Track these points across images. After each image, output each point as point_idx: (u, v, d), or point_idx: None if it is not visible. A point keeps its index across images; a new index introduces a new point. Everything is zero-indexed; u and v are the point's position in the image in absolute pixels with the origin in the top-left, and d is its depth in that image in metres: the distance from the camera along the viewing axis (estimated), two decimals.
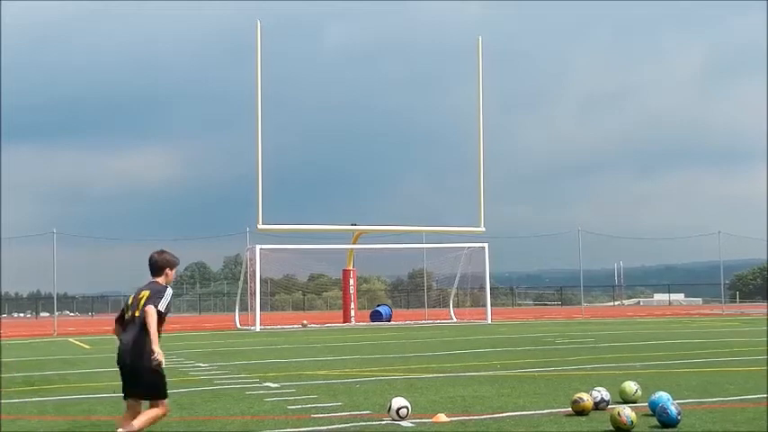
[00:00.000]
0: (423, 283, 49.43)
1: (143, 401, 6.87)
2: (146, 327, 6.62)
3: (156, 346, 6.54)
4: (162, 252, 7.06)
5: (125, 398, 6.93)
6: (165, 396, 6.83)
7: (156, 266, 6.98)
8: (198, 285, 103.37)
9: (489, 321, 35.00)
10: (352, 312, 36.75)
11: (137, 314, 6.76)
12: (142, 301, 6.77)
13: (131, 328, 6.78)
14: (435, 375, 12.91)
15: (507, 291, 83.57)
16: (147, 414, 6.77)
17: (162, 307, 6.72)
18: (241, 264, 45.48)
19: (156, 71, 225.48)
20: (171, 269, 7.03)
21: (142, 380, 6.69)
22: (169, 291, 6.90)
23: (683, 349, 17.42)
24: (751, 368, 13.05)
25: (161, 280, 6.96)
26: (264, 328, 31.84)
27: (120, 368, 6.83)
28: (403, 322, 36.16)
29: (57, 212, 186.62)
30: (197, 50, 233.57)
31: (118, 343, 6.89)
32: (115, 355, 6.87)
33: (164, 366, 6.65)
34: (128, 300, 6.98)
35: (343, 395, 10.46)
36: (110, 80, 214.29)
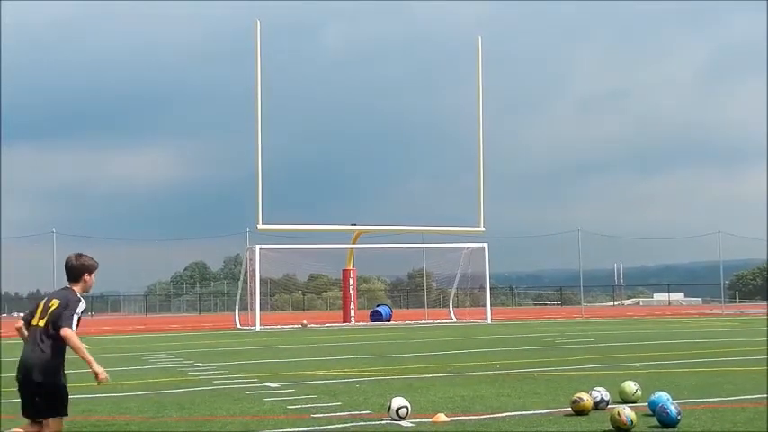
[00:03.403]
0: (422, 282, 49.48)
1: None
2: (59, 342, 6.11)
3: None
4: (80, 256, 6.44)
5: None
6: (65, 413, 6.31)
7: (73, 272, 6.36)
8: (198, 285, 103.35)
9: (489, 321, 34.99)
10: (352, 312, 36.73)
11: (41, 323, 6.19)
12: (51, 310, 6.18)
13: (37, 339, 6.19)
14: (435, 375, 12.92)
15: (507, 291, 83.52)
16: None
17: (74, 326, 6.13)
18: (241, 263, 45.48)
19: (155, 71, 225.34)
20: (90, 274, 6.41)
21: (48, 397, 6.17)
22: (82, 303, 6.27)
23: (683, 349, 17.42)
24: (750, 368, 13.05)
25: (77, 288, 6.36)
26: (264, 328, 31.84)
27: (20, 383, 6.25)
28: (403, 322, 36.15)
29: (57, 212, 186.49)
30: (197, 50, 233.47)
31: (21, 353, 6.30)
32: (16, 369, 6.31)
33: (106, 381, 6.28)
34: (34, 305, 6.37)
35: (342, 395, 10.46)
36: (110, 80, 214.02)
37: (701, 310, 49.06)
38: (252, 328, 32.31)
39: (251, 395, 10.72)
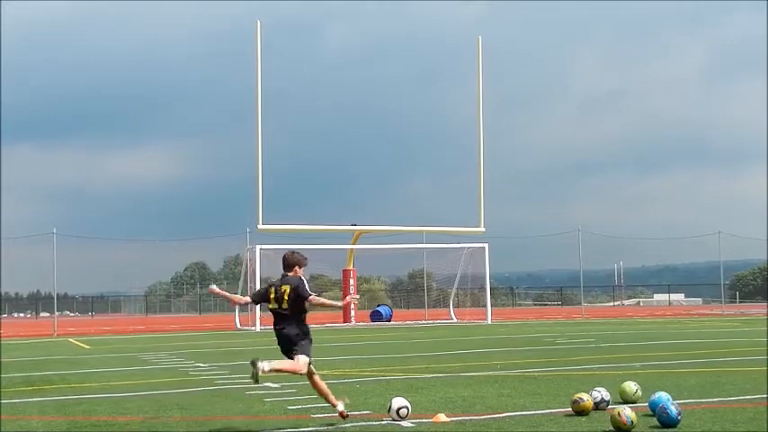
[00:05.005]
0: (423, 283, 49.43)
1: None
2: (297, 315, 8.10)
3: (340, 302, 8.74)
4: (293, 253, 8.38)
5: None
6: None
7: (289, 263, 8.25)
8: (198, 285, 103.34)
9: (489, 321, 35.00)
10: (353, 312, 36.75)
11: (284, 306, 8.08)
12: (287, 294, 8.06)
13: (286, 318, 8.14)
14: (435, 375, 12.92)
15: (507, 291, 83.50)
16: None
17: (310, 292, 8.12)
18: (241, 264, 45.46)
19: (155, 71, 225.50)
20: (300, 267, 8.27)
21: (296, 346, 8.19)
22: (304, 278, 8.20)
23: (683, 349, 17.42)
24: (751, 368, 13.05)
25: (292, 274, 8.22)
26: (264, 329, 31.81)
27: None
28: (403, 322, 36.17)
29: (57, 212, 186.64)
30: (197, 50, 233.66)
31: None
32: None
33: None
34: (264, 291, 8.33)
35: (343, 395, 10.46)
36: (110, 80, 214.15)
37: (702, 311, 49.05)
38: (252, 328, 32.32)
39: (251, 395, 10.71)
